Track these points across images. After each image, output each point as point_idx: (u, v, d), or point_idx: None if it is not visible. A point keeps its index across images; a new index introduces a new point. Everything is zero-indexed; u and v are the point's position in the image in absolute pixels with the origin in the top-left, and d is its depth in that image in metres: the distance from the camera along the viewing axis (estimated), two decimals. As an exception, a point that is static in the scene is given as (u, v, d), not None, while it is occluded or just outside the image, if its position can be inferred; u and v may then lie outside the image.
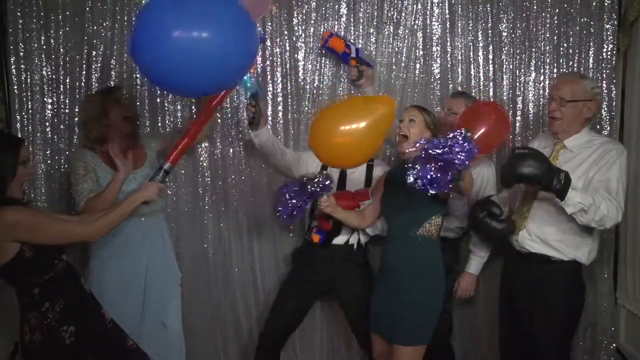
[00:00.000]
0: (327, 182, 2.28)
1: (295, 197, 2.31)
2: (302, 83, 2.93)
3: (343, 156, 1.96)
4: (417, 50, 2.93)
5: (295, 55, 2.91)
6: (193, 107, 2.90)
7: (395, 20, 2.90)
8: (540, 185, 2.10)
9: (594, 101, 2.28)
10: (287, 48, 2.90)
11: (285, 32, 2.89)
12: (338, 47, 2.74)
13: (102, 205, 2.21)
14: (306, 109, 2.93)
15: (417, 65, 2.93)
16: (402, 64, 2.92)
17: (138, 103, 2.86)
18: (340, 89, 2.93)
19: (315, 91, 2.93)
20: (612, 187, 2.17)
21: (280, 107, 2.94)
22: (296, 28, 2.90)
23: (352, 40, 2.86)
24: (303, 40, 2.90)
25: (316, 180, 2.27)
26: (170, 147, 2.33)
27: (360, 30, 2.90)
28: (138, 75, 2.85)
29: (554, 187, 2.06)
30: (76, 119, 2.85)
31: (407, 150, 2.17)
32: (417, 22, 2.90)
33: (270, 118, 2.90)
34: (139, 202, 2.06)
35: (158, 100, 2.88)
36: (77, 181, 2.40)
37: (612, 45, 2.86)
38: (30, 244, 1.80)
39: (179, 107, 2.90)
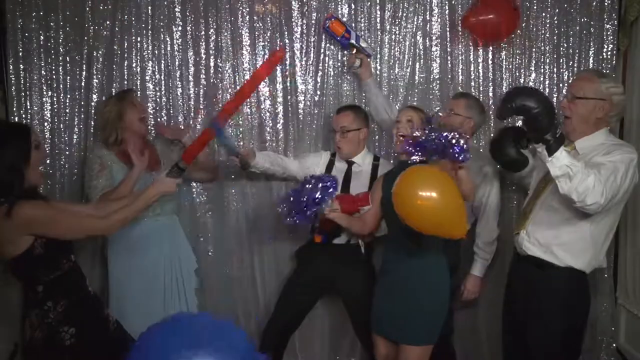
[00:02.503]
0: (329, 183, 2.29)
1: (300, 204, 2.31)
2: (302, 83, 2.92)
3: (418, 216, 1.98)
4: (417, 50, 2.92)
5: (295, 56, 2.91)
6: (191, 105, 2.90)
7: (395, 20, 2.89)
8: (535, 131, 1.97)
9: (608, 101, 2.11)
10: (287, 48, 2.89)
11: (286, 32, 2.89)
12: (338, 30, 2.75)
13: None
14: (307, 109, 2.93)
15: (417, 65, 2.93)
16: (403, 64, 2.92)
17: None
18: (345, 87, 2.92)
19: (315, 91, 2.92)
20: (604, 173, 2.00)
21: (280, 107, 2.93)
22: (296, 28, 2.89)
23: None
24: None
25: (321, 180, 2.30)
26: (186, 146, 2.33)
27: (361, 30, 2.89)
28: (138, 77, 2.85)
29: (546, 138, 1.94)
30: (75, 119, 2.85)
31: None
32: (417, 22, 2.90)
33: (270, 118, 2.91)
34: (157, 196, 2.04)
35: (158, 101, 2.88)
36: (92, 177, 2.43)
37: (612, 45, 2.86)
38: (42, 240, 1.80)
39: (179, 109, 2.90)
